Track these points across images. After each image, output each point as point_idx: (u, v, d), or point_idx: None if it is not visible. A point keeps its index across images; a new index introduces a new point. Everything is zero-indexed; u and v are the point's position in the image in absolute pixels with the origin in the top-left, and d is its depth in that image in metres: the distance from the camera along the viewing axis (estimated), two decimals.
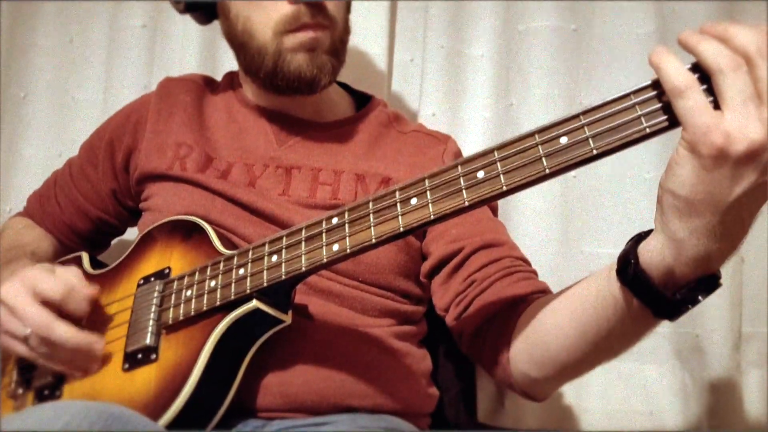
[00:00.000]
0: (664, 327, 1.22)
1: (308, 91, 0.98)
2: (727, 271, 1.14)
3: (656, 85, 0.57)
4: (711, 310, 1.17)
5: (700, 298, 0.62)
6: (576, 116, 0.61)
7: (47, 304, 0.82)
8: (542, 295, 0.84)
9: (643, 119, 0.58)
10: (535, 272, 0.92)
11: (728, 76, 0.53)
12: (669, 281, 0.63)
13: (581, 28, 1.32)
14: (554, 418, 1.22)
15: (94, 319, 0.89)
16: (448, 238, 0.94)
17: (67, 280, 0.85)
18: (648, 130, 0.57)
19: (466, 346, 0.91)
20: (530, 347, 0.80)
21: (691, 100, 0.54)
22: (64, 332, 0.81)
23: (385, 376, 0.91)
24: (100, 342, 0.84)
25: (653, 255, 0.63)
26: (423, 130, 1.10)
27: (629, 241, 0.67)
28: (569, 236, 1.23)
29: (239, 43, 0.99)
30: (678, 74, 0.55)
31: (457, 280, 0.91)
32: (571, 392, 1.23)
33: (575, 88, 1.28)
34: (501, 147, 0.65)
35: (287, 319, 0.81)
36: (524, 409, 1.20)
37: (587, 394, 1.23)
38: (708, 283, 0.62)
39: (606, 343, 0.73)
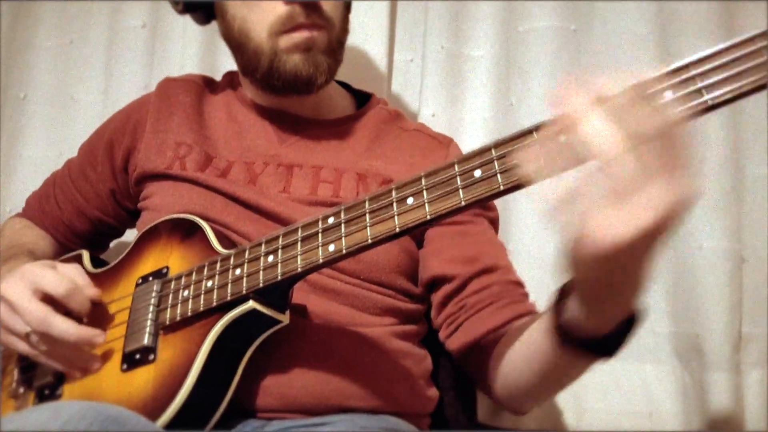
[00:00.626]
0: (664, 327, 1.23)
1: (305, 91, 0.98)
2: (727, 271, 1.17)
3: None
4: (711, 310, 1.17)
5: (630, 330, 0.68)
6: None
7: (47, 300, 0.82)
8: (524, 318, 0.88)
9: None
10: (525, 294, 0.95)
11: (612, 166, 0.53)
12: (597, 331, 0.68)
13: (581, 28, 1.32)
14: (554, 418, 1.22)
15: (93, 318, 0.89)
16: (446, 257, 0.96)
17: (71, 278, 0.85)
18: None
19: (457, 361, 0.96)
20: (500, 376, 0.86)
21: (565, 216, 0.54)
22: (64, 327, 0.81)
23: (385, 377, 0.91)
24: (101, 335, 0.84)
25: (576, 314, 0.68)
26: (425, 131, 1.10)
27: (557, 294, 0.71)
28: None
29: (236, 43, 0.99)
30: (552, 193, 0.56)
31: (451, 302, 0.95)
32: (571, 392, 1.23)
33: None
34: (498, 145, 0.64)
35: (285, 319, 0.80)
36: None
37: (587, 394, 1.23)
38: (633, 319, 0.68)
39: (555, 377, 0.80)
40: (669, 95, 0.56)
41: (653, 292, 1.24)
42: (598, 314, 0.66)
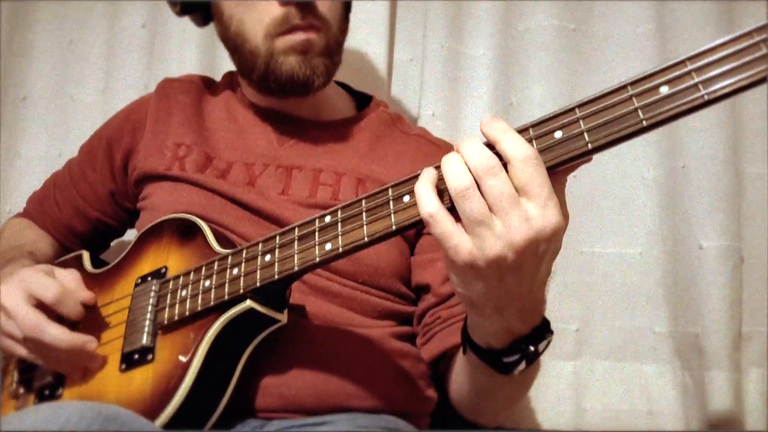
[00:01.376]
0: (664, 327, 1.23)
1: (301, 93, 0.98)
2: (727, 271, 1.16)
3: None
4: (711, 310, 1.17)
5: (530, 348, 0.69)
6: (572, 109, 0.60)
7: (42, 306, 0.83)
8: None
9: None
10: None
11: (458, 203, 0.60)
12: (491, 348, 0.71)
13: (581, 27, 1.32)
14: (554, 418, 1.22)
15: (93, 319, 0.89)
16: (431, 269, 0.97)
17: (63, 283, 0.86)
18: (645, 123, 0.57)
19: (431, 368, 0.98)
20: (452, 392, 0.91)
21: (440, 227, 0.61)
22: (55, 334, 0.82)
23: (385, 377, 0.91)
24: (93, 342, 0.84)
25: (473, 331, 0.72)
26: (426, 136, 1.10)
27: None
28: (568, 237, 1.21)
29: (233, 45, 0.99)
30: (426, 204, 0.61)
31: (428, 313, 0.96)
32: (571, 392, 1.23)
33: (575, 88, 1.28)
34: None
35: (283, 318, 0.80)
36: (524, 409, 1.20)
37: (587, 394, 1.23)
38: (532, 338, 0.69)
39: (494, 394, 0.83)
40: (665, 90, 0.56)
41: (653, 292, 1.24)
42: (480, 326, 0.70)
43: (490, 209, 0.59)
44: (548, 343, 0.71)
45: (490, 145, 0.61)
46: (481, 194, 0.59)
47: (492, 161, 0.59)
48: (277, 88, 0.97)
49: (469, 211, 0.59)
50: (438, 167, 0.63)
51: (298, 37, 0.94)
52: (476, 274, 0.61)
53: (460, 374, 0.85)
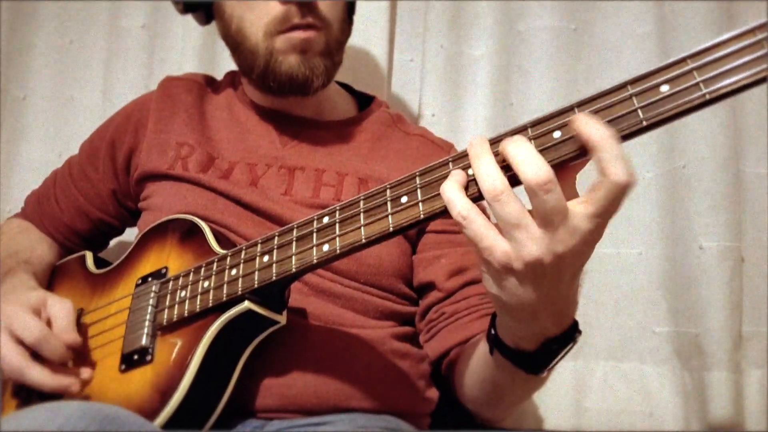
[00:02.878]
0: (664, 327, 1.23)
1: (301, 93, 0.97)
2: (727, 271, 1.16)
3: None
4: (711, 310, 1.17)
5: (560, 350, 0.69)
6: (571, 109, 0.59)
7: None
8: None
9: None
10: None
11: (493, 207, 0.58)
12: (521, 350, 0.70)
13: (581, 27, 1.32)
14: (554, 418, 1.22)
15: (93, 320, 0.89)
16: (435, 266, 0.97)
17: (53, 319, 0.84)
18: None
19: (434, 366, 0.97)
20: (465, 387, 0.90)
21: (473, 227, 0.60)
22: (37, 378, 0.80)
23: (385, 378, 0.91)
24: (76, 385, 0.82)
25: (502, 331, 0.72)
26: (427, 136, 1.10)
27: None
28: None
29: (233, 43, 0.99)
30: (457, 204, 0.60)
31: (432, 310, 0.96)
32: (571, 392, 1.23)
33: (575, 88, 1.29)
34: (493, 142, 0.62)
35: (281, 320, 0.80)
36: (524, 409, 1.20)
37: (587, 394, 1.23)
38: (562, 339, 0.68)
39: (502, 394, 0.84)
40: (665, 89, 0.56)
41: (653, 292, 1.24)
42: (512, 329, 0.69)
43: (537, 220, 0.57)
44: (575, 344, 0.70)
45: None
46: (533, 207, 0.57)
47: (549, 175, 0.56)
48: (276, 86, 0.97)
49: (505, 215, 0.58)
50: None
51: (298, 35, 0.93)
52: (511, 276, 0.60)
53: (477, 371, 0.84)
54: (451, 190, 0.61)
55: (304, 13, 0.93)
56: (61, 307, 0.85)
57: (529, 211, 0.58)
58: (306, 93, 0.97)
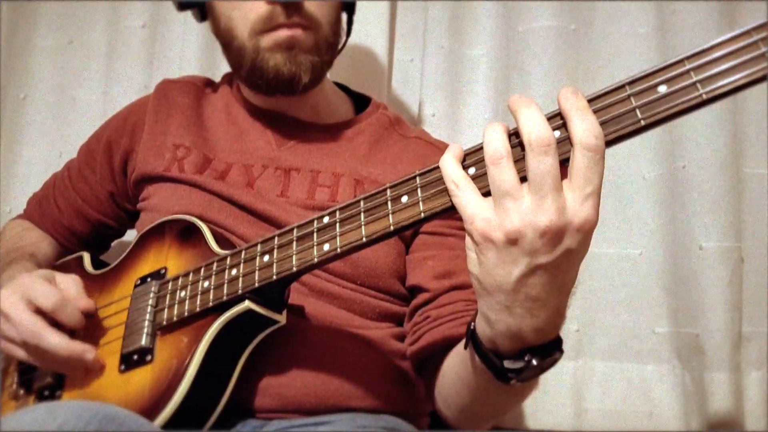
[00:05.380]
0: (664, 327, 1.23)
1: (288, 91, 0.97)
2: (727, 272, 1.16)
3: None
4: (711, 310, 1.17)
5: (534, 362, 0.65)
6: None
7: (42, 312, 0.83)
8: None
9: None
10: None
11: (490, 171, 0.59)
12: (496, 350, 0.67)
13: (581, 28, 1.32)
14: (554, 418, 1.22)
15: (93, 321, 0.89)
16: (424, 268, 0.95)
17: (63, 290, 0.85)
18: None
19: (417, 373, 0.94)
20: (442, 393, 0.87)
21: (460, 194, 0.61)
22: (54, 342, 0.82)
23: (384, 378, 0.91)
24: (91, 351, 0.84)
25: (479, 325, 0.68)
26: (425, 138, 1.09)
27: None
28: None
29: (224, 41, 1.00)
30: (453, 173, 0.62)
31: (418, 313, 0.94)
32: (571, 392, 1.23)
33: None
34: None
35: (281, 319, 0.80)
36: (524, 409, 1.20)
37: (587, 394, 1.23)
38: (539, 351, 0.65)
39: (484, 400, 0.80)
40: (663, 89, 0.56)
41: (653, 292, 1.24)
42: (490, 321, 0.65)
43: (529, 184, 0.57)
44: (554, 362, 0.67)
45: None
46: (525, 164, 0.57)
47: (551, 138, 0.57)
48: (264, 84, 0.97)
49: (501, 181, 0.58)
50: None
51: (283, 33, 0.93)
52: (491, 249, 0.59)
53: (453, 368, 0.83)
54: (447, 160, 0.63)
55: (290, 13, 0.93)
56: (70, 279, 0.88)
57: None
58: (294, 91, 0.97)
